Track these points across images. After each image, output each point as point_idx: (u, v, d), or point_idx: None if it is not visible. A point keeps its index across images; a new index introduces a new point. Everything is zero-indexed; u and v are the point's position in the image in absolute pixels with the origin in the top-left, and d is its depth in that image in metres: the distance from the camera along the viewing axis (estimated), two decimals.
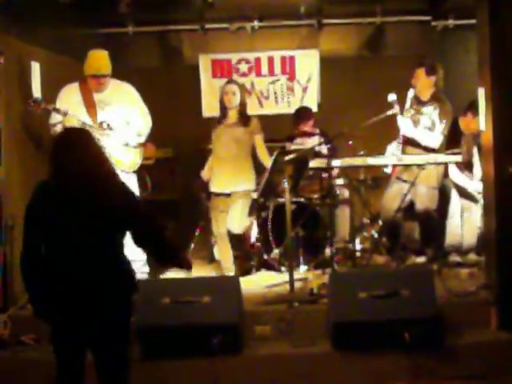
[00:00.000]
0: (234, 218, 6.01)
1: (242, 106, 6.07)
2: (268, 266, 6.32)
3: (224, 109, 6.08)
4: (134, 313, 3.62)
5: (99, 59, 5.57)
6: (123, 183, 3.57)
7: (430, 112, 6.01)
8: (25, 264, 3.42)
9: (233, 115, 6.05)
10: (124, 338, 3.51)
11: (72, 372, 3.47)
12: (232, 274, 5.96)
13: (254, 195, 5.93)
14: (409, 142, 6.06)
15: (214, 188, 6.13)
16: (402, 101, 6.09)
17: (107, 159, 3.57)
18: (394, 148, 6.17)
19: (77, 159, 3.40)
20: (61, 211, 3.36)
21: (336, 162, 5.73)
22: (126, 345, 3.52)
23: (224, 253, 6.14)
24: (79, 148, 3.45)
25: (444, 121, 5.98)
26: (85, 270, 3.36)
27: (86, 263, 3.37)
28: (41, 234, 3.40)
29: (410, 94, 6.15)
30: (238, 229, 6.08)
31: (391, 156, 6.04)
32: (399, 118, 5.98)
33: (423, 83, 6.09)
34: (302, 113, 7.29)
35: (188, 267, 3.78)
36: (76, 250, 3.36)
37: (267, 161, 5.85)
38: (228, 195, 6.03)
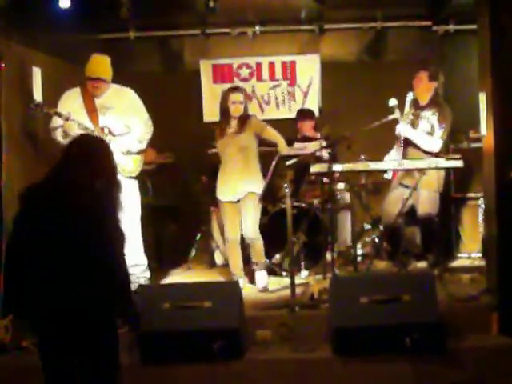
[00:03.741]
0: (247, 224, 5.86)
1: (245, 112, 5.94)
2: (269, 270, 6.31)
3: (228, 117, 5.91)
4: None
5: (97, 63, 5.57)
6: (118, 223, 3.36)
7: (429, 116, 6.02)
8: (7, 269, 3.35)
9: (235, 123, 5.91)
10: (112, 365, 3.37)
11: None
12: (242, 280, 5.88)
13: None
14: (410, 145, 6.06)
15: (222, 196, 5.97)
16: (402, 106, 6.10)
17: (118, 186, 3.44)
18: (393, 154, 6.17)
19: (87, 175, 3.32)
20: (45, 223, 3.28)
21: (337, 167, 5.72)
22: (114, 370, 3.38)
23: (234, 259, 6.03)
24: (94, 164, 3.37)
25: (443, 126, 5.98)
26: (68, 291, 3.21)
27: (69, 284, 3.21)
28: (27, 248, 3.28)
29: (409, 97, 6.14)
30: (251, 233, 5.90)
31: (392, 161, 6.02)
32: (399, 124, 6.00)
33: (424, 87, 6.10)
34: (303, 111, 7.40)
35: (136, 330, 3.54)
36: (58, 268, 3.23)
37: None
38: (237, 202, 5.91)
